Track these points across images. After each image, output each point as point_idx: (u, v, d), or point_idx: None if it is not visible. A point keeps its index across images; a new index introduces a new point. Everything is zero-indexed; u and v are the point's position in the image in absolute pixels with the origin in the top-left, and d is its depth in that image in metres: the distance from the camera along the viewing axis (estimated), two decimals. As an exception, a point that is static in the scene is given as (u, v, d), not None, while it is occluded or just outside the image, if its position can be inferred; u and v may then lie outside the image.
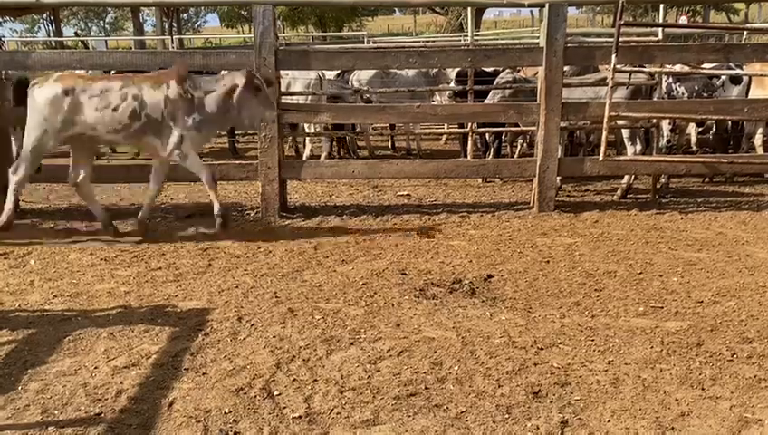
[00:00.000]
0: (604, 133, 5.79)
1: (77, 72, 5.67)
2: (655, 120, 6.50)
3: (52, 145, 5.12)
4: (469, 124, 7.45)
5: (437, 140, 10.42)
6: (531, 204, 6.19)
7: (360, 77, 8.83)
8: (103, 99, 4.97)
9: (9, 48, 17.82)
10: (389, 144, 9.97)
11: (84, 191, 5.40)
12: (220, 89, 5.09)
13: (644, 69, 6.53)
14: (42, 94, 4.97)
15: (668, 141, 7.33)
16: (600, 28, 32.04)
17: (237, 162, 7.35)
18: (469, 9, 9.41)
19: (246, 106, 5.10)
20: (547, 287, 4.18)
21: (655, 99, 6.56)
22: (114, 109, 4.97)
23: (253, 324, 3.65)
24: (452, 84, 8.16)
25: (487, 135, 7.73)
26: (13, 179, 5.13)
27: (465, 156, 7.63)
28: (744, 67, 7.10)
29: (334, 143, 8.95)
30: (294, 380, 3.05)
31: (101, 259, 4.78)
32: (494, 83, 7.44)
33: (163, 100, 5.01)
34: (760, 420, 2.71)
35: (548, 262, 4.66)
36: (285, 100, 6.47)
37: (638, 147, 6.58)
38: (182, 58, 5.86)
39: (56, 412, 2.79)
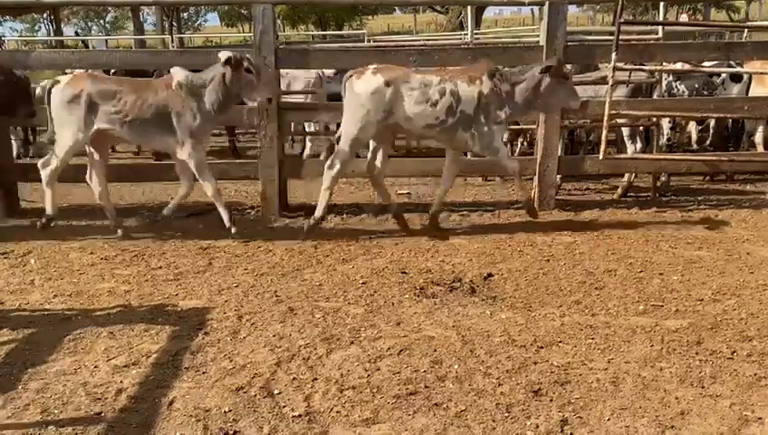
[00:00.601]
0: (604, 132, 5.78)
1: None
2: (655, 119, 6.49)
3: (371, 136, 5.13)
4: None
5: (438, 139, 10.38)
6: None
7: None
8: (423, 93, 4.96)
9: (9, 47, 17.87)
10: (389, 143, 9.94)
11: (377, 181, 5.43)
12: (529, 80, 5.06)
13: (644, 67, 6.53)
14: (364, 86, 4.95)
15: (669, 140, 7.32)
16: (601, 26, 32.02)
17: (238, 161, 7.37)
18: (469, 7, 9.41)
19: (553, 94, 5.08)
20: (547, 286, 4.18)
21: (655, 97, 6.55)
22: (433, 104, 4.98)
23: (253, 323, 3.66)
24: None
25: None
26: (328, 174, 5.14)
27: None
28: (745, 65, 7.10)
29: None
30: (294, 379, 3.05)
31: (102, 258, 4.78)
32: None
33: (477, 95, 5.00)
34: (760, 418, 2.71)
35: (548, 260, 4.66)
36: (284, 99, 6.47)
37: (639, 145, 6.57)
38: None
39: (56, 411, 2.80)
